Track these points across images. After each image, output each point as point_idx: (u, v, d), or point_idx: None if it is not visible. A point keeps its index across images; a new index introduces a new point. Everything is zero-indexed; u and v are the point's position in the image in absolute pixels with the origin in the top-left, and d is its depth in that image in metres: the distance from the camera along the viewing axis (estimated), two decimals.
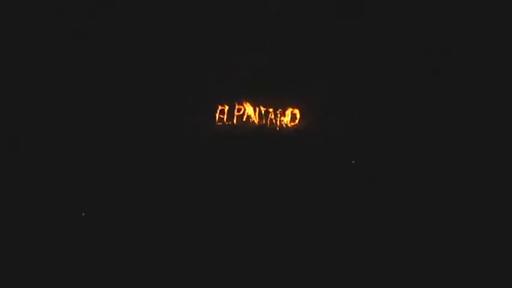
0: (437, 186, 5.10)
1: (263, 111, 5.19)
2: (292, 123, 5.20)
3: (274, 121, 5.18)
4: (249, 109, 5.17)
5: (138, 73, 5.28)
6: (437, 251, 4.87)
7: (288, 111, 5.17)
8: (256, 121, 5.19)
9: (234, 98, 5.20)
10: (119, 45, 5.28)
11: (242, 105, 5.18)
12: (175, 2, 5.29)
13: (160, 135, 5.26)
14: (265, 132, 5.18)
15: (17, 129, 5.15)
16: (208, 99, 5.22)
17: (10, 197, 5.00)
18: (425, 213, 5.02)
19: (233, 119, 5.19)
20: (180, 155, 5.24)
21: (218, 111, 5.21)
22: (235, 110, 5.20)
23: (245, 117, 5.19)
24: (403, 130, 5.23)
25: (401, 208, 5.06)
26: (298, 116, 5.19)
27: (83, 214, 4.99)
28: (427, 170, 5.14)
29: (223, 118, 5.20)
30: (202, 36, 5.32)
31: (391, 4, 5.26)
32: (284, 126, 5.20)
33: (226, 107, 5.21)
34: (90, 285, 4.73)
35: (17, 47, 5.20)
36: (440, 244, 4.90)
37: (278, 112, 5.18)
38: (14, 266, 4.73)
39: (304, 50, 5.33)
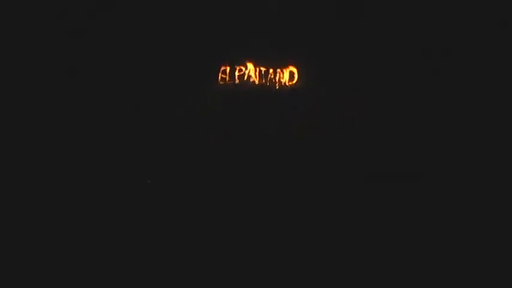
0: (437, 186, 5.10)
1: (263, 71, 5.33)
2: (291, 82, 5.31)
3: (273, 80, 5.32)
4: (250, 69, 5.31)
5: (138, 73, 5.28)
6: (437, 251, 4.88)
7: (287, 71, 5.31)
8: (256, 81, 5.30)
9: (236, 60, 5.36)
10: (119, 45, 5.28)
11: (244, 65, 5.32)
12: (175, 2, 5.30)
13: (161, 135, 5.27)
14: (265, 91, 5.33)
15: (17, 129, 5.15)
16: (211, 61, 5.36)
17: (10, 197, 5.01)
18: (425, 213, 5.03)
19: (235, 78, 5.34)
20: (181, 153, 5.26)
21: (220, 72, 5.34)
22: (237, 71, 5.33)
23: (246, 76, 5.32)
24: (403, 130, 5.23)
25: (400, 207, 5.06)
26: (296, 75, 5.32)
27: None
28: (427, 170, 5.14)
29: (225, 78, 5.34)
30: (202, 36, 5.32)
31: (391, 4, 5.26)
32: (283, 84, 5.32)
33: (228, 68, 5.35)
34: (90, 285, 4.73)
35: (17, 47, 5.20)
36: (440, 244, 4.91)
37: (277, 71, 5.32)
38: (14, 266, 4.74)
39: (304, 50, 5.33)
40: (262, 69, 5.33)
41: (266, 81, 5.33)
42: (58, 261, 4.80)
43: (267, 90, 5.32)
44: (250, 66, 5.32)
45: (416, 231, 4.96)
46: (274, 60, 5.33)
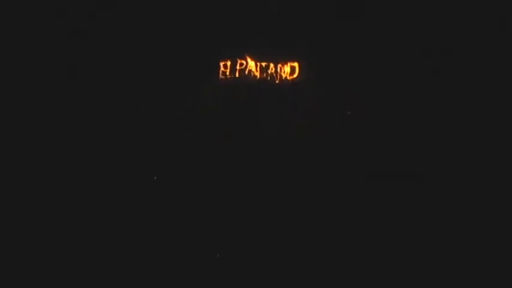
0: (437, 186, 5.10)
1: (264, 65, 5.34)
2: (291, 77, 5.31)
3: (274, 74, 5.32)
4: (250, 63, 5.31)
5: (138, 73, 5.28)
6: (437, 251, 4.88)
7: (288, 65, 5.31)
8: (257, 75, 5.31)
9: (237, 54, 5.35)
10: (119, 45, 5.28)
11: (244, 60, 5.32)
12: (175, 2, 5.30)
13: (161, 135, 5.27)
14: (266, 85, 5.33)
15: (17, 129, 5.15)
16: (212, 56, 5.36)
17: (10, 197, 5.01)
18: (425, 213, 5.03)
19: (235, 73, 5.34)
20: (180, 155, 5.25)
21: (221, 66, 5.34)
22: (237, 65, 5.33)
23: (247, 71, 5.32)
24: (403, 130, 5.23)
25: (400, 208, 5.06)
26: (297, 69, 5.32)
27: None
28: (427, 170, 5.14)
29: (226, 72, 5.34)
30: (202, 32, 5.32)
31: (391, 4, 5.26)
32: (283, 79, 5.33)
33: (229, 62, 5.34)
34: (90, 285, 4.74)
35: (17, 47, 5.20)
36: (441, 244, 4.91)
37: (278, 66, 5.33)
38: (14, 266, 4.74)
39: (304, 51, 5.33)
40: (263, 63, 5.33)
41: (267, 76, 5.34)
42: (58, 261, 4.81)
43: (267, 85, 5.32)
44: (250, 60, 5.32)
45: (416, 232, 4.96)
46: (275, 54, 5.33)
